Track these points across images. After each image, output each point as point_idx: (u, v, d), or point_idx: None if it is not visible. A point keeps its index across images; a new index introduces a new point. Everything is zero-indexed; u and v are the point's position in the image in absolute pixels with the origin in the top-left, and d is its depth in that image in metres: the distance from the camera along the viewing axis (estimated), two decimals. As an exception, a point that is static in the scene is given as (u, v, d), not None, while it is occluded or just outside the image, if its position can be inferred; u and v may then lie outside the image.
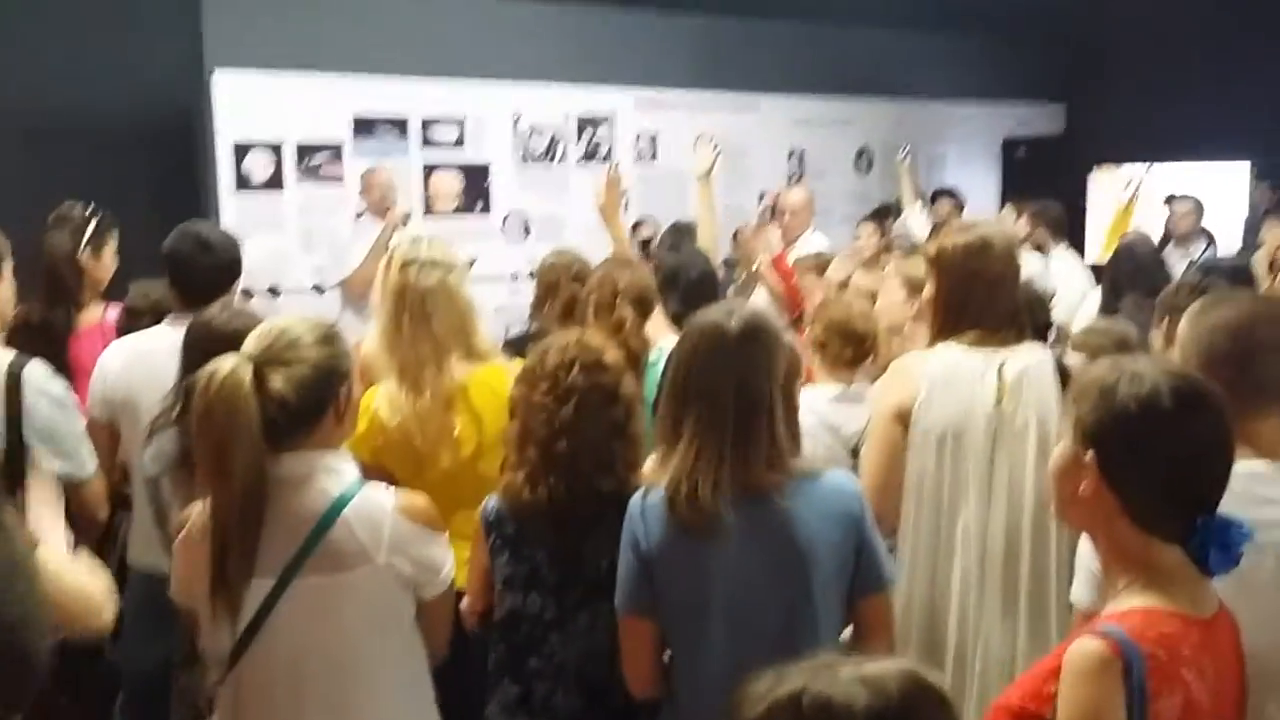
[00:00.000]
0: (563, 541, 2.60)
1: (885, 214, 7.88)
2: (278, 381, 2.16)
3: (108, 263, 4.40)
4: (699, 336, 2.40)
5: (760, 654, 1.52)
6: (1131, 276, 5.23)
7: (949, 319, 3.03)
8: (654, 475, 2.43)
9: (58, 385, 3.12)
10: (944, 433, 2.92)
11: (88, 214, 4.37)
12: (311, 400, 2.21)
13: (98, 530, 3.28)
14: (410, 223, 6.25)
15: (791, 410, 2.63)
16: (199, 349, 2.98)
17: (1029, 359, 2.98)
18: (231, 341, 2.86)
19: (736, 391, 2.34)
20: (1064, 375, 2.95)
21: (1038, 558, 2.90)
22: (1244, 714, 1.85)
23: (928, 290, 3.11)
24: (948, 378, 2.94)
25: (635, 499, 2.43)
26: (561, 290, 4.20)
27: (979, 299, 2.99)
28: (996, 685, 2.77)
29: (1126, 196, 9.47)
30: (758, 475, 2.34)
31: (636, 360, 3.50)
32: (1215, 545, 1.72)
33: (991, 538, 2.92)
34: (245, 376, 2.13)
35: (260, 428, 2.12)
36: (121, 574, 3.31)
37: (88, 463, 3.14)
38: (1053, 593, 2.87)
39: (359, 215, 6.63)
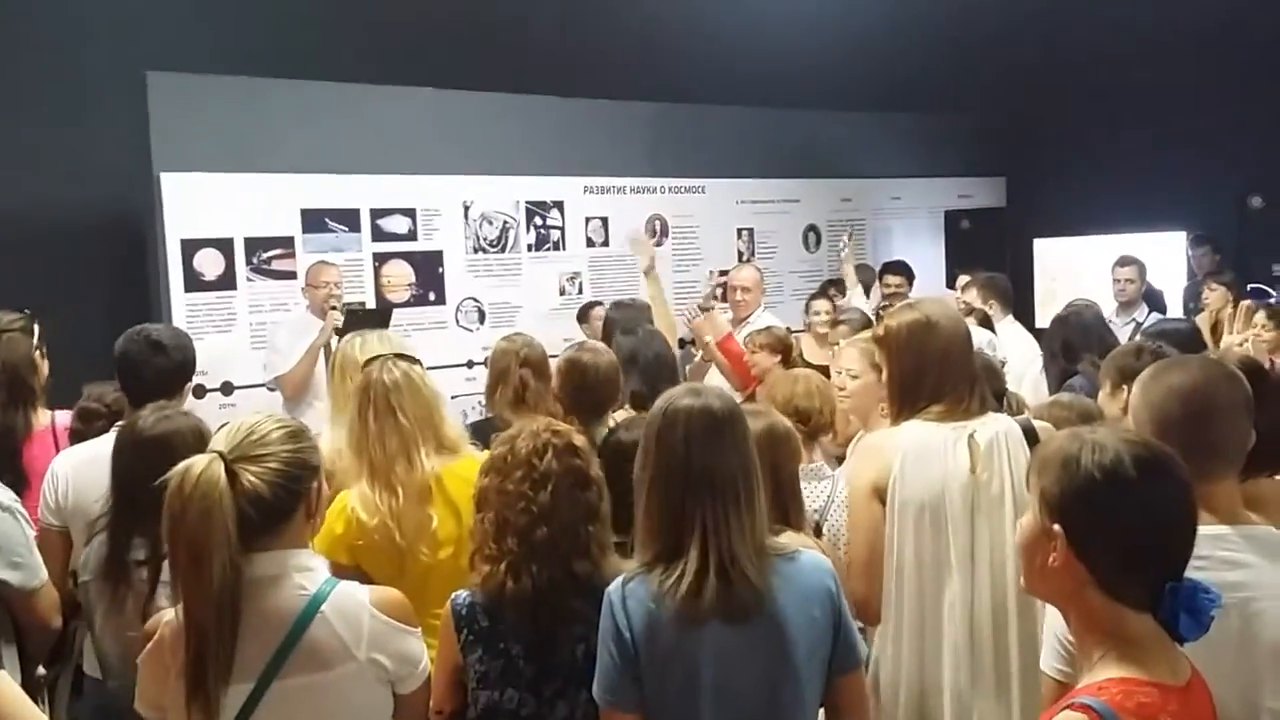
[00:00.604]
0: (540, 632, 2.56)
1: (830, 287, 7.95)
2: (251, 478, 2.13)
3: (47, 366, 4.35)
4: (688, 421, 2.38)
5: None
6: (1084, 338, 5.32)
7: (906, 397, 3.06)
8: (644, 563, 2.39)
9: (6, 494, 3.06)
10: (921, 505, 2.92)
11: (28, 316, 4.31)
12: (285, 495, 2.18)
13: (51, 638, 3.20)
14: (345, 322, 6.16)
15: (795, 491, 2.60)
16: (127, 454, 2.94)
17: (997, 427, 3.00)
18: (159, 445, 2.84)
19: (742, 474, 2.38)
20: (1033, 440, 2.98)
21: (1025, 626, 2.88)
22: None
23: (884, 372, 3.14)
24: (920, 451, 2.95)
25: (614, 588, 2.39)
26: (511, 376, 4.20)
27: (932, 374, 3.03)
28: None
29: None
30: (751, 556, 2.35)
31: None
32: (1185, 611, 1.72)
33: (979, 610, 2.90)
34: (219, 474, 2.09)
35: (236, 526, 2.09)
36: (78, 683, 3.23)
37: (38, 571, 3.07)
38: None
39: (308, 307, 6.59)
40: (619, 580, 2.41)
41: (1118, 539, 1.76)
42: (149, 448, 2.88)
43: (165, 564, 2.82)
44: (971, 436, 2.95)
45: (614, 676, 2.37)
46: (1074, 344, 5.36)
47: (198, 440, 2.86)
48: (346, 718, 2.22)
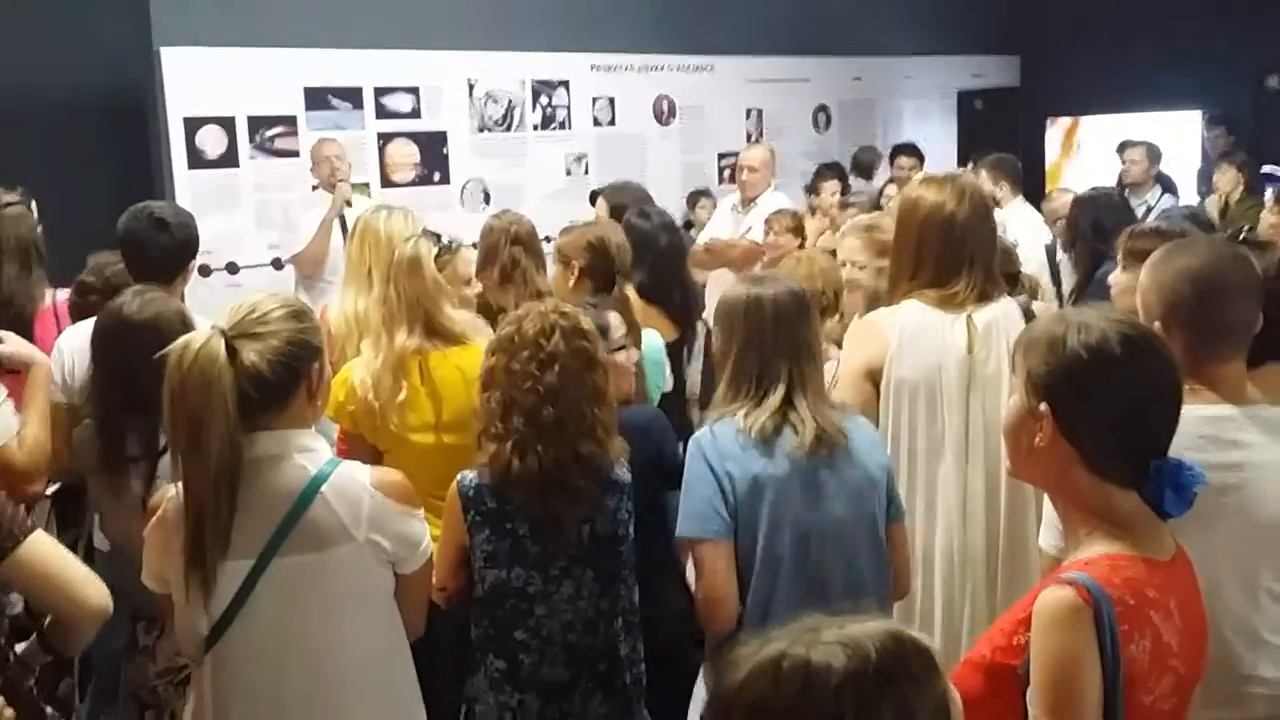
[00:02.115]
0: (547, 511, 2.60)
1: (827, 170, 7.80)
2: (251, 355, 2.12)
3: None
4: (775, 301, 2.65)
5: (837, 578, 2.34)
6: (1113, 217, 5.25)
7: (894, 273, 3.06)
8: (729, 410, 2.64)
9: None
10: (917, 384, 2.92)
11: (25, 193, 4.26)
12: (285, 374, 2.18)
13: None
14: (358, 199, 6.12)
15: None
16: (112, 339, 2.90)
17: (996, 310, 2.98)
18: (145, 330, 2.81)
19: (811, 343, 2.69)
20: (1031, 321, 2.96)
21: (1015, 504, 2.90)
22: (1205, 649, 1.87)
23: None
24: (917, 329, 2.93)
25: (701, 433, 2.64)
26: (500, 253, 4.18)
27: (908, 253, 3.01)
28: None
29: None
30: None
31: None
32: (1170, 488, 1.74)
33: (972, 489, 2.92)
34: (219, 349, 2.09)
35: (235, 402, 2.09)
36: (89, 553, 3.27)
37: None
38: (1032, 540, 2.86)
39: (315, 188, 6.52)
40: (704, 427, 2.67)
41: (1104, 417, 1.76)
42: (138, 332, 2.84)
43: (164, 458, 2.83)
44: (970, 317, 2.93)
45: (706, 510, 2.55)
46: (1103, 223, 5.29)
47: (182, 323, 2.85)
48: (346, 596, 2.25)
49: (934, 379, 2.91)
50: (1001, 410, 2.82)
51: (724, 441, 2.59)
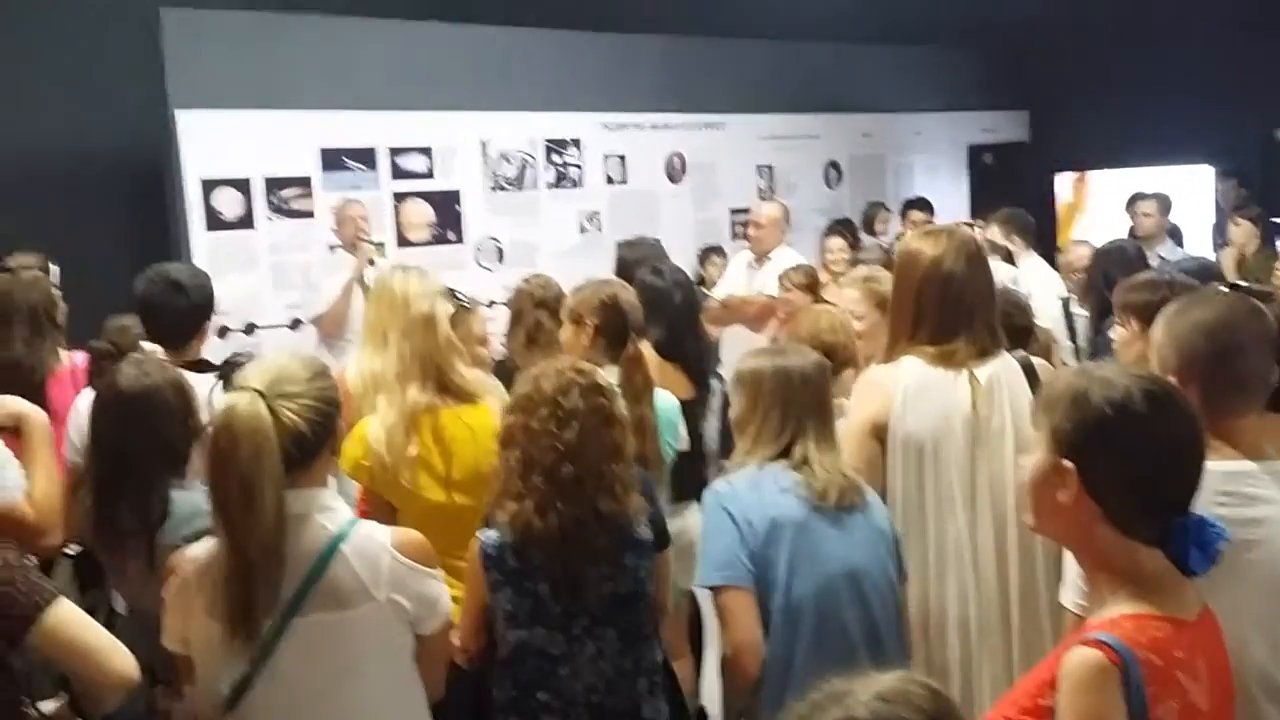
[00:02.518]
0: (568, 570, 2.59)
1: (840, 226, 7.83)
2: (291, 415, 2.15)
3: (63, 306, 4.33)
4: (803, 370, 2.81)
5: (856, 625, 2.49)
6: (1125, 270, 5.24)
7: (893, 329, 3.05)
8: (742, 460, 2.79)
9: None
10: (923, 442, 2.91)
11: (44, 257, 4.31)
12: (321, 432, 2.21)
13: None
14: (379, 260, 6.16)
15: None
16: (111, 414, 2.85)
17: (998, 365, 2.97)
18: (139, 400, 2.80)
19: (830, 408, 2.85)
20: (1030, 375, 2.95)
21: (1025, 560, 2.88)
22: (1234, 710, 1.85)
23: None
24: (920, 386, 2.93)
25: (718, 485, 2.77)
26: (525, 317, 4.19)
27: (907, 309, 3.00)
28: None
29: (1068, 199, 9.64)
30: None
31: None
32: (1194, 545, 1.73)
33: (981, 546, 2.90)
34: (264, 411, 2.11)
35: (283, 461, 2.11)
36: (110, 617, 3.26)
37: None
38: (1043, 595, 2.86)
39: (333, 249, 6.56)
40: (718, 481, 2.80)
41: (1129, 474, 1.75)
42: (132, 403, 2.81)
43: (158, 533, 2.79)
44: (972, 373, 2.93)
45: (728, 558, 2.63)
46: (1114, 275, 5.29)
47: (178, 394, 2.86)
48: (366, 656, 2.24)
49: (940, 435, 2.91)
50: (1006, 467, 2.86)
51: (741, 490, 2.69)
